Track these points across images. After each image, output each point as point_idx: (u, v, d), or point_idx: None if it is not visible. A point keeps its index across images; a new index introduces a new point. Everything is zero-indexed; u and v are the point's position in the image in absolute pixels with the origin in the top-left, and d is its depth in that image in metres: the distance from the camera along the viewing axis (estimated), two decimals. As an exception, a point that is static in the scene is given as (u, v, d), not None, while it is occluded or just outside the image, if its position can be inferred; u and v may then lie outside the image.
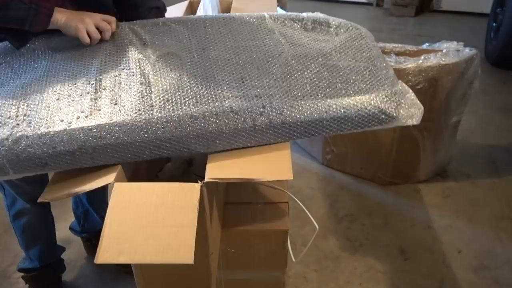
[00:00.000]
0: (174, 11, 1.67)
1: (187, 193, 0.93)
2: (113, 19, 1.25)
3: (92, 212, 1.78)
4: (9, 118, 1.03)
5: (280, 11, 2.25)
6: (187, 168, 1.36)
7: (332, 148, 2.33)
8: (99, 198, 1.76)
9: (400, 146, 2.13)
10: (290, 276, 1.78)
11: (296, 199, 1.35)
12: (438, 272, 1.80)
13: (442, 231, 1.99)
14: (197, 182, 0.94)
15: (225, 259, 1.29)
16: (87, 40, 1.19)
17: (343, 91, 1.10)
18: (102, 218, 0.95)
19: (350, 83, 1.12)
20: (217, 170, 0.98)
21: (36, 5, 1.14)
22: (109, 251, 0.85)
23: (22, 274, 1.68)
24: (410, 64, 1.95)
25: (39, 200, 0.99)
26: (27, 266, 1.64)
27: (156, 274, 1.13)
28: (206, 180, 0.95)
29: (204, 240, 1.03)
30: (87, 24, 1.19)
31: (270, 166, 1.01)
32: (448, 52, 2.01)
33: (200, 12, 1.78)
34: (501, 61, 3.37)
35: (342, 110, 1.06)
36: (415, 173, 2.25)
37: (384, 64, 1.19)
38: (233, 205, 1.33)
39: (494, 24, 3.47)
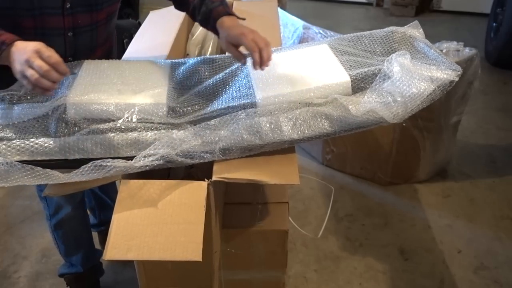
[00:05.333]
0: (173, 12, 1.66)
1: (195, 191, 0.93)
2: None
3: (106, 199, 1.73)
4: None
5: (280, 11, 2.25)
6: (188, 171, 1.36)
7: (332, 148, 2.32)
8: (111, 185, 1.67)
9: (400, 146, 2.13)
10: (290, 276, 1.78)
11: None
12: (438, 272, 1.80)
13: (442, 231, 1.98)
14: (204, 181, 0.94)
15: (225, 259, 1.29)
16: (34, 89, 0.90)
17: None
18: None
19: None
20: (224, 169, 0.98)
21: None
22: (117, 248, 0.86)
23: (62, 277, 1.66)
24: (410, 64, 1.94)
25: (43, 194, 0.99)
26: (70, 271, 1.62)
27: (158, 272, 1.13)
28: (213, 178, 0.95)
29: (209, 238, 1.03)
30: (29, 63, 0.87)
31: (277, 169, 1.00)
32: (448, 52, 2.00)
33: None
34: (501, 61, 3.36)
35: None
36: (415, 173, 2.24)
37: None
38: (233, 205, 1.33)
39: (494, 24, 3.46)
